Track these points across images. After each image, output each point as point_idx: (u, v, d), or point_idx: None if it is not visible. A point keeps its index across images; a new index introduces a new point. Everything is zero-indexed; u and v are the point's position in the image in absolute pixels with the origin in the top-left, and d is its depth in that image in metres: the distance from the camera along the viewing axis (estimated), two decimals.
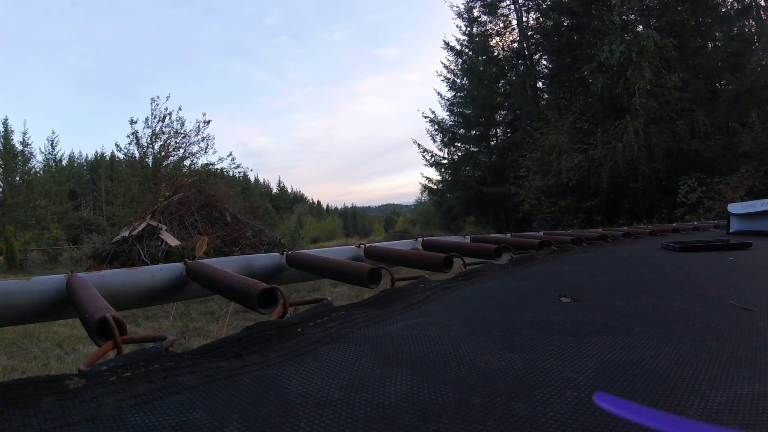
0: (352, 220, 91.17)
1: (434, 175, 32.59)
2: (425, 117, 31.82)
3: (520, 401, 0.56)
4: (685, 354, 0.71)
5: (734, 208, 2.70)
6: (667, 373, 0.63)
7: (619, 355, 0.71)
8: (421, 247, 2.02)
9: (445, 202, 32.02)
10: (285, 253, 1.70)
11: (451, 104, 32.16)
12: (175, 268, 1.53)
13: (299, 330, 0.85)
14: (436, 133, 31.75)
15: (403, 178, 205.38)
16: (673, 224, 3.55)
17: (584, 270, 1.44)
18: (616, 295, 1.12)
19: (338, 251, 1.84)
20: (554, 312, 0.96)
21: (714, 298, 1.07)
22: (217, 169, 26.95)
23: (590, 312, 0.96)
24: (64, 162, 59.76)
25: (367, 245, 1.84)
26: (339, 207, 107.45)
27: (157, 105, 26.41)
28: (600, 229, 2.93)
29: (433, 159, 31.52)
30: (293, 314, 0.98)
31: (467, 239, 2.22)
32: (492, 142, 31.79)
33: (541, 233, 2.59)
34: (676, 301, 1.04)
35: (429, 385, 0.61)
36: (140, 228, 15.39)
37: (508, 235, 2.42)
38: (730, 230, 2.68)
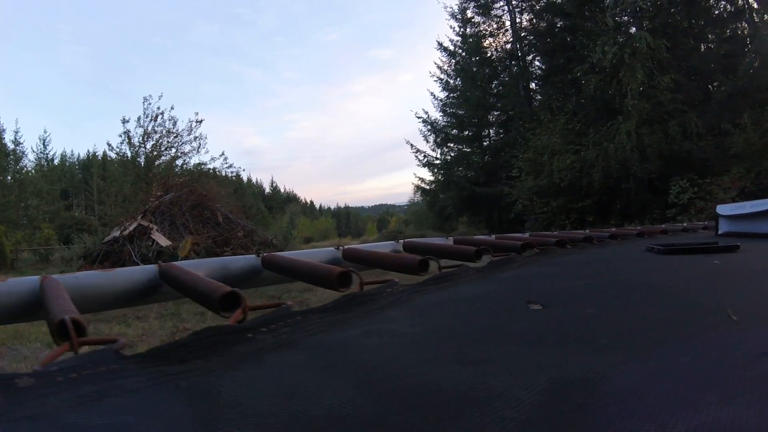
0: (346, 220, 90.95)
1: (427, 175, 32.67)
2: (418, 117, 31.89)
3: (451, 421, 0.52)
4: (650, 371, 0.66)
5: (723, 209, 2.69)
6: (626, 392, 0.58)
7: (576, 370, 0.66)
8: (402, 249, 1.99)
9: (438, 202, 32.07)
10: (261, 255, 1.67)
11: (444, 105, 32.26)
12: (149, 270, 1.52)
13: (250, 335, 0.83)
14: (429, 133, 31.84)
15: (397, 178, 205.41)
16: (662, 225, 3.53)
17: (563, 273, 1.40)
18: (589, 301, 1.07)
19: (317, 253, 1.81)
20: (519, 320, 0.92)
21: (693, 306, 1.02)
22: (209, 168, 26.85)
23: (557, 320, 0.91)
24: (56, 161, 59.59)
25: (345, 247, 1.81)
26: (332, 207, 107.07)
27: (150, 104, 26.24)
28: (587, 231, 2.90)
29: (426, 159, 31.58)
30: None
31: (450, 240, 2.20)
32: (485, 143, 31.87)
33: (526, 234, 2.56)
34: (651, 309, 0.99)
35: (362, 398, 0.59)
36: (131, 228, 15.33)
37: (493, 236, 2.40)
38: (719, 232, 2.66)
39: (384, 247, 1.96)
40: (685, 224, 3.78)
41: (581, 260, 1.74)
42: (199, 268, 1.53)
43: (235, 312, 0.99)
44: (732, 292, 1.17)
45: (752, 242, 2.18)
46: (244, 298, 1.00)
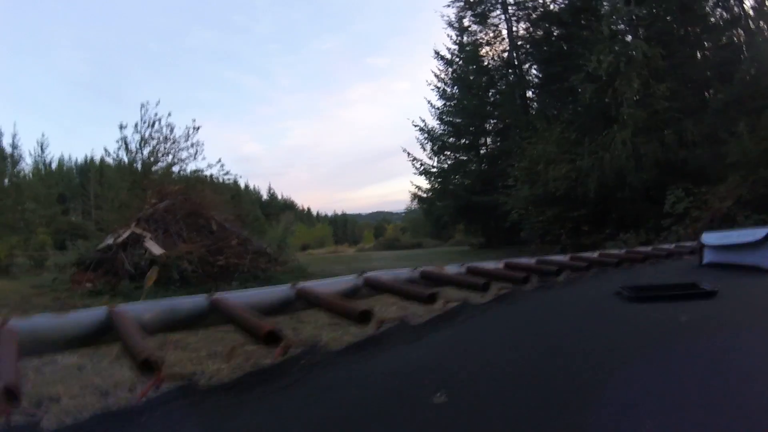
0: (342, 227, 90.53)
1: (424, 183, 32.63)
2: (415, 125, 31.92)
3: None
4: None
5: (708, 238, 2.61)
6: None
7: None
8: (361, 284, 1.92)
9: (435, 210, 32.08)
10: (212, 295, 1.62)
11: (441, 113, 32.33)
12: (99, 313, 1.48)
13: (143, 419, 0.79)
14: (426, 141, 31.92)
15: (394, 185, 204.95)
16: (649, 248, 3.45)
17: (502, 336, 1.30)
18: (509, 389, 0.91)
19: (270, 294, 1.75)
20: (409, 421, 0.79)
21: (628, 409, 0.79)
22: (206, 176, 26.79)
23: (451, 425, 0.77)
24: (53, 165, 59.58)
25: (299, 287, 1.74)
26: (329, 214, 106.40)
27: (147, 110, 26.16)
28: (567, 257, 2.84)
29: (422, 167, 31.62)
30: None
31: (416, 273, 2.13)
32: (482, 151, 31.92)
33: (500, 265, 2.49)
34: (576, 404, 0.81)
35: None
36: (125, 236, 15.30)
37: (464, 267, 2.34)
38: (704, 262, 2.59)
39: (341, 283, 1.90)
40: (673, 246, 3.68)
41: (533, 311, 1.64)
42: (147, 311, 1.51)
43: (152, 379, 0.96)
44: (679, 379, 0.94)
45: (734, 280, 2.07)
46: (158, 369, 0.96)
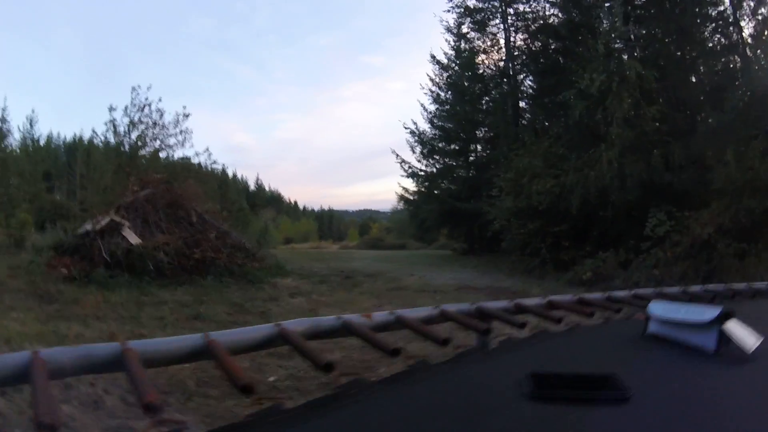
0: (328, 223, 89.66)
1: (411, 185, 32.45)
2: (406, 128, 31.73)
3: None
4: None
5: (655, 308, 2.54)
6: None
7: None
8: (276, 336, 1.88)
9: (420, 213, 31.94)
10: (124, 345, 1.59)
11: (433, 117, 32.23)
12: (24, 356, 1.49)
13: None
14: (416, 144, 31.76)
15: (383, 184, 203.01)
16: (605, 294, 3.36)
17: None
18: None
19: (182, 342, 1.71)
20: None
21: None
22: (192, 163, 26.57)
23: None
24: (41, 142, 58.75)
25: (212, 337, 1.69)
26: (316, 209, 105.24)
27: (138, 94, 25.90)
28: (512, 304, 2.78)
29: (410, 170, 31.48)
30: None
31: (335, 321, 2.07)
32: (471, 158, 31.82)
33: (435, 312, 2.44)
34: None
35: None
36: (103, 223, 15.19)
37: (399, 310, 2.30)
38: (647, 331, 2.53)
39: (256, 332, 1.86)
40: (632, 293, 3.54)
41: (418, 402, 1.32)
42: (65, 356, 1.53)
43: None
44: None
45: (663, 371, 1.88)
46: None
